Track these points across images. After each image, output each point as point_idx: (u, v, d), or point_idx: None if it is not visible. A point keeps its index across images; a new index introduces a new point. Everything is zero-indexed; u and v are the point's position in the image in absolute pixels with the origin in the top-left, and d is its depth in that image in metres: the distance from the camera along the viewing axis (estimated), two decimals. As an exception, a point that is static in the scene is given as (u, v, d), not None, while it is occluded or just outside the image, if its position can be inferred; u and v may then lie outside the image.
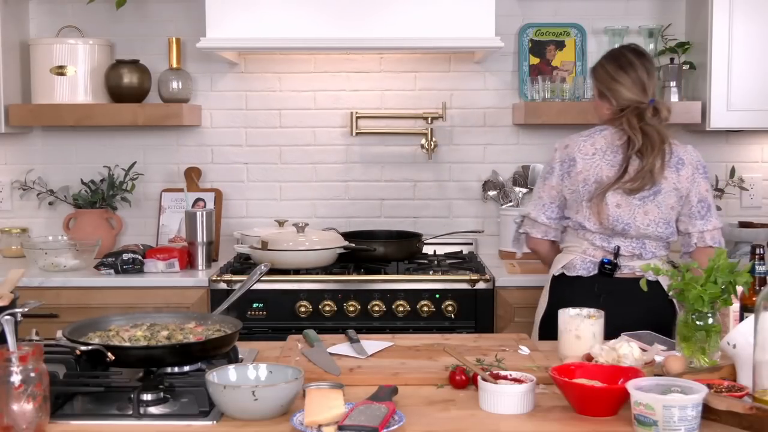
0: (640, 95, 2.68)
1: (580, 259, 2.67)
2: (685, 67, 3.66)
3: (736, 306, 2.10)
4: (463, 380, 1.92)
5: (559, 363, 1.95)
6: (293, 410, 1.71)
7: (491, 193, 3.79)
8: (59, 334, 2.03)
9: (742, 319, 2.04)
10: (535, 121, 3.61)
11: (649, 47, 3.75)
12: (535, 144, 3.83)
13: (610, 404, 1.71)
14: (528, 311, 3.19)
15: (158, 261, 3.36)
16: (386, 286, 3.23)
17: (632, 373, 1.77)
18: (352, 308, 3.20)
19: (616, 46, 3.73)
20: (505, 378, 1.82)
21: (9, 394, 1.59)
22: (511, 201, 3.75)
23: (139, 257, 3.36)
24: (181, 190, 3.72)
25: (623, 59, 2.76)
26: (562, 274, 2.69)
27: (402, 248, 3.54)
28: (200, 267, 3.44)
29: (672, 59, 3.67)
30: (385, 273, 3.32)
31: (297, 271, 3.28)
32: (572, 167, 2.68)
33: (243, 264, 3.48)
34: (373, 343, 2.28)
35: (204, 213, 3.46)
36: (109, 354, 1.82)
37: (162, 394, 1.82)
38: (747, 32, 3.46)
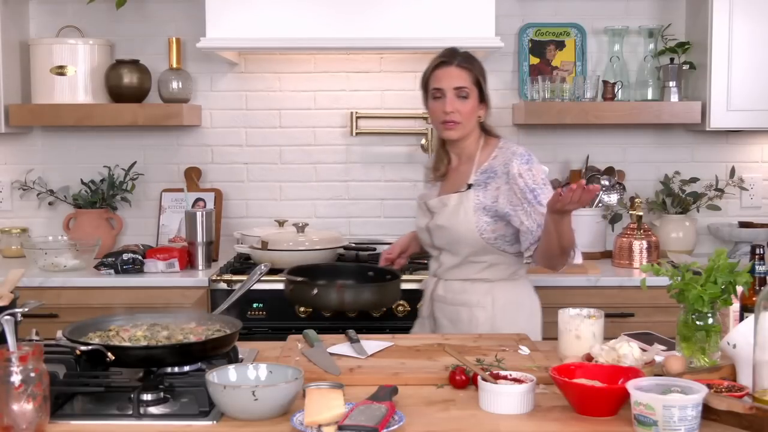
0: None
1: None
2: (685, 67, 3.66)
3: (736, 306, 2.09)
4: (463, 380, 1.92)
5: (559, 363, 1.95)
6: (293, 410, 1.71)
7: (491, 193, 3.78)
8: (59, 334, 2.03)
9: (742, 319, 2.04)
10: (535, 121, 3.62)
11: (649, 47, 3.76)
12: (535, 144, 3.82)
13: (610, 404, 1.71)
14: (528, 311, 3.19)
15: (158, 261, 3.36)
16: (386, 286, 3.21)
17: (632, 373, 1.77)
18: (352, 308, 3.19)
19: (616, 47, 3.77)
20: (505, 378, 1.82)
21: (9, 394, 1.59)
22: (511, 201, 3.74)
23: (139, 257, 3.36)
24: (181, 190, 3.72)
25: None
26: None
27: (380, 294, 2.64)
28: (200, 267, 3.44)
29: (672, 59, 3.67)
30: (385, 273, 3.31)
31: (297, 271, 3.27)
32: None
33: (243, 264, 3.48)
34: (373, 343, 2.28)
35: (204, 213, 3.46)
36: (109, 354, 1.82)
37: (162, 394, 1.82)
38: (747, 32, 3.46)
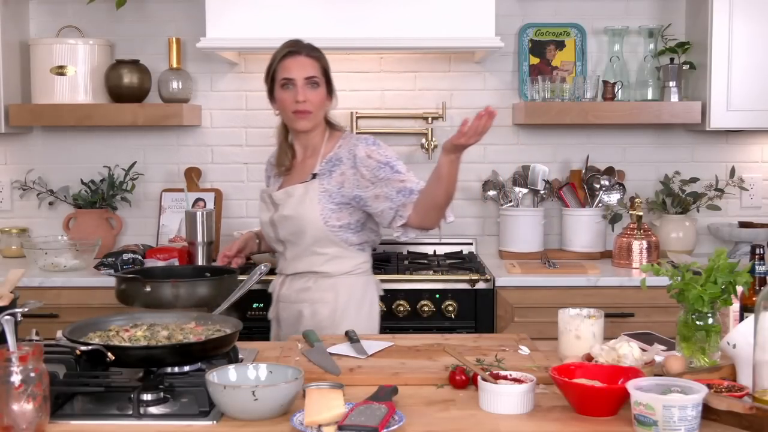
0: None
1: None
2: (685, 67, 3.66)
3: (736, 306, 2.09)
4: (463, 380, 1.92)
5: (559, 363, 1.95)
6: (293, 410, 1.71)
7: (491, 193, 3.79)
8: (59, 334, 2.03)
9: (742, 319, 2.04)
10: (535, 121, 3.62)
11: (649, 47, 3.76)
12: (535, 144, 3.83)
13: (610, 404, 1.71)
14: (528, 311, 3.20)
15: (158, 261, 3.35)
16: (386, 286, 3.20)
17: (632, 373, 1.77)
18: (352, 308, 3.18)
19: (616, 47, 3.77)
20: (505, 378, 1.82)
21: (9, 394, 1.59)
22: (511, 201, 3.75)
23: (139, 257, 3.36)
24: (181, 190, 3.72)
25: None
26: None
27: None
28: (200, 267, 3.43)
29: (672, 59, 3.67)
30: (385, 273, 3.32)
31: (297, 271, 3.27)
32: None
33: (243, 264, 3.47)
34: (373, 343, 2.27)
35: (204, 213, 3.45)
36: (109, 354, 1.82)
37: (162, 394, 1.82)
38: (747, 32, 3.46)
